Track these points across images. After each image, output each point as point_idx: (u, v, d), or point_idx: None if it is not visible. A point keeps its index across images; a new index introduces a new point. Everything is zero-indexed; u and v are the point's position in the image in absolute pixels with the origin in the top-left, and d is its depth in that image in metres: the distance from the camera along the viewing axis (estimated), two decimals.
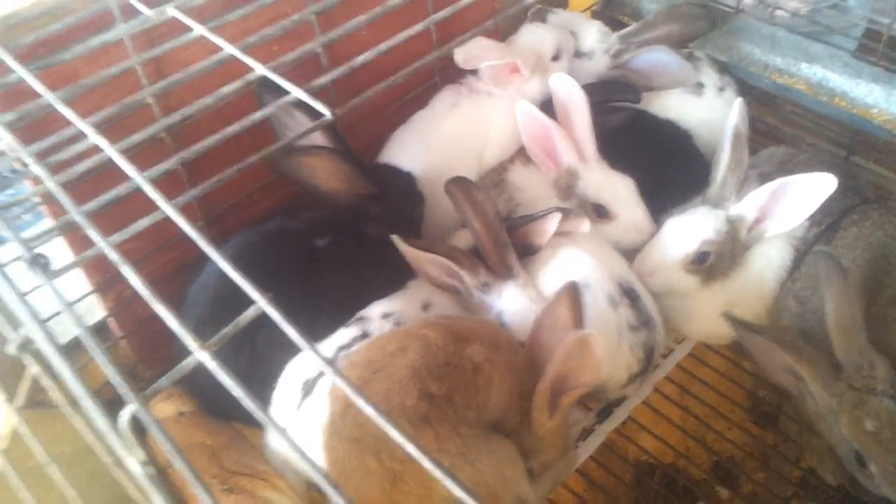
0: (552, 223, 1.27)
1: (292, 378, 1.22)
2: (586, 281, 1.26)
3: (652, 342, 1.29)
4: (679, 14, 1.58)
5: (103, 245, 0.67)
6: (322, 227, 1.34)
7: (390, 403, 1.00)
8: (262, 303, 0.60)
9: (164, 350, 1.37)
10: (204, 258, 1.25)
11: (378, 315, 1.24)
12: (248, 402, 0.55)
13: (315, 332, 1.16)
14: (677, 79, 1.53)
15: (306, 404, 1.18)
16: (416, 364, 1.03)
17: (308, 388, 1.19)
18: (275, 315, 0.59)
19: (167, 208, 0.69)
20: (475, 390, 1.05)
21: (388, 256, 1.28)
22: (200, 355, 0.59)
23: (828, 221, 1.36)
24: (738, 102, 1.36)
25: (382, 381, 1.03)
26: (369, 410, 0.54)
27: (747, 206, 1.33)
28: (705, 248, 1.34)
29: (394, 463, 0.97)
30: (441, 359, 1.04)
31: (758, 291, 1.39)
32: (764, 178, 1.34)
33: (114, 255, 0.66)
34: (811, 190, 1.26)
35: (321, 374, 1.18)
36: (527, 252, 1.31)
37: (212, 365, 0.58)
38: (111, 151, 0.74)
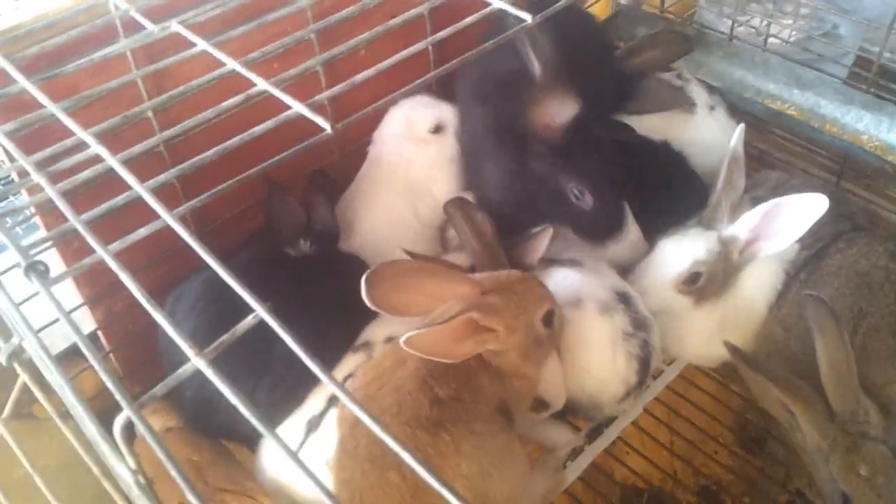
0: (544, 240, 1.29)
1: (294, 419, 1.23)
2: (577, 296, 1.27)
3: (648, 348, 1.28)
4: (659, 40, 1.60)
5: (103, 252, 0.67)
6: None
7: (405, 416, 1.01)
8: (260, 311, 0.60)
9: (150, 365, 1.36)
10: (186, 276, 1.27)
11: (382, 339, 1.25)
12: (246, 411, 0.55)
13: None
14: (669, 104, 1.55)
15: (312, 440, 1.19)
16: (419, 373, 1.05)
17: (313, 424, 1.20)
18: (274, 324, 0.59)
19: (168, 217, 0.69)
20: (477, 384, 1.07)
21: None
22: (198, 362, 0.59)
23: (818, 246, 1.37)
24: (741, 128, 1.38)
25: (390, 395, 1.04)
26: (375, 428, 0.54)
27: (740, 228, 1.35)
28: (697, 269, 1.34)
29: (415, 474, 0.98)
30: (441, 363, 1.05)
31: (748, 314, 1.40)
32: (757, 202, 1.35)
33: (113, 263, 0.66)
34: (803, 211, 1.27)
35: (327, 410, 1.20)
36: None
37: (209, 372, 0.58)
38: (113, 161, 0.75)
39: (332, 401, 1.20)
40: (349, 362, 1.24)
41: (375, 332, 1.27)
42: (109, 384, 0.61)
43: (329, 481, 1.07)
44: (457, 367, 1.06)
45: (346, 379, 1.20)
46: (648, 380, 1.34)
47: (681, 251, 1.36)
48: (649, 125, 1.59)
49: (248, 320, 0.61)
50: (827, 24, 2.06)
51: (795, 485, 1.41)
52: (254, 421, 0.55)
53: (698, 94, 1.63)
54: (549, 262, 1.35)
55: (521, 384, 1.16)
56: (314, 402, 1.22)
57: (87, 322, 1.34)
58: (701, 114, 1.61)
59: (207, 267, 0.65)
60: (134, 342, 1.37)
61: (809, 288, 1.32)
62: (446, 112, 1.52)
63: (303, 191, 1.37)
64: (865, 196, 1.73)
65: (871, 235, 1.37)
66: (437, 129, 1.52)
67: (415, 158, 1.51)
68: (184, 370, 0.60)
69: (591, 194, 1.34)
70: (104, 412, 0.66)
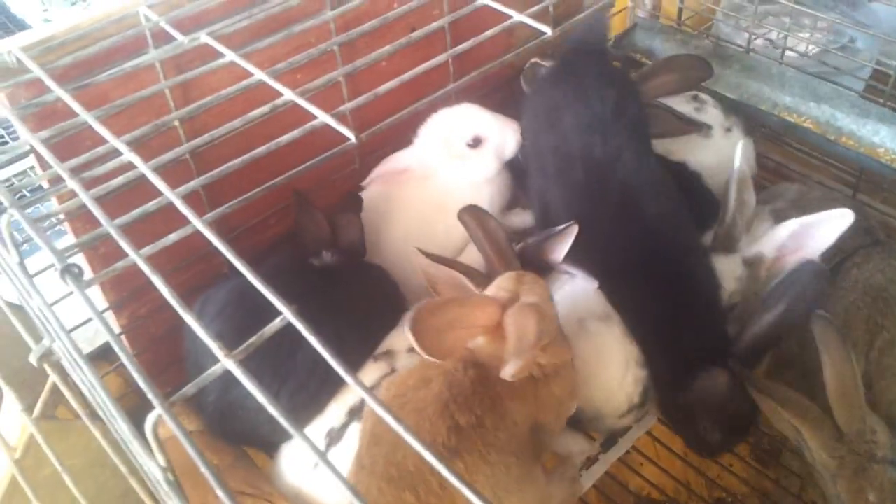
0: (570, 237, 1.27)
1: (313, 429, 1.22)
2: (608, 313, 1.29)
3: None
4: (677, 65, 1.60)
5: (136, 257, 0.69)
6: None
7: (422, 440, 1.01)
8: (287, 314, 0.62)
9: (172, 370, 1.39)
10: (210, 282, 1.29)
11: (405, 349, 1.26)
12: (275, 411, 0.57)
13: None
14: (678, 131, 1.55)
15: (333, 452, 1.20)
16: (442, 396, 1.03)
17: (334, 437, 1.21)
18: (300, 326, 0.61)
19: (198, 224, 0.71)
20: (502, 409, 1.06)
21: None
22: (227, 363, 0.61)
23: (837, 259, 1.38)
24: (741, 145, 1.38)
25: (410, 416, 1.03)
26: (402, 432, 0.55)
27: (766, 246, 1.35)
28: (734, 300, 1.35)
29: (430, 497, 0.98)
30: (467, 387, 1.04)
31: None
32: (777, 215, 1.36)
33: (146, 267, 0.68)
34: (830, 226, 1.28)
35: (349, 423, 1.20)
36: (542, 272, 1.31)
37: (238, 372, 0.60)
38: (145, 169, 0.77)
39: (354, 413, 1.20)
40: (371, 371, 1.24)
41: (398, 341, 1.27)
42: (141, 383, 0.63)
43: (345, 496, 1.07)
44: (482, 393, 1.05)
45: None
46: (649, 404, 1.34)
47: None
48: (667, 147, 1.60)
49: (276, 323, 0.63)
50: (844, 38, 2.07)
51: (810, 496, 1.40)
52: (282, 420, 0.57)
53: (715, 116, 1.64)
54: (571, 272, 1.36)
55: (566, 375, 1.15)
56: (334, 413, 1.22)
57: (113, 326, 1.36)
58: (717, 136, 1.61)
59: (235, 274, 0.67)
60: (157, 346, 1.40)
61: (825, 302, 1.33)
62: (486, 124, 1.45)
63: (334, 209, 1.37)
64: (882, 209, 1.73)
65: (888, 250, 1.38)
66: (476, 143, 1.45)
67: (449, 177, 1.46)
68: (213, 371, 0.62)
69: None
70: (132, 411, 0.68)
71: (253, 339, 0.62)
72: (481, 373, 1.07)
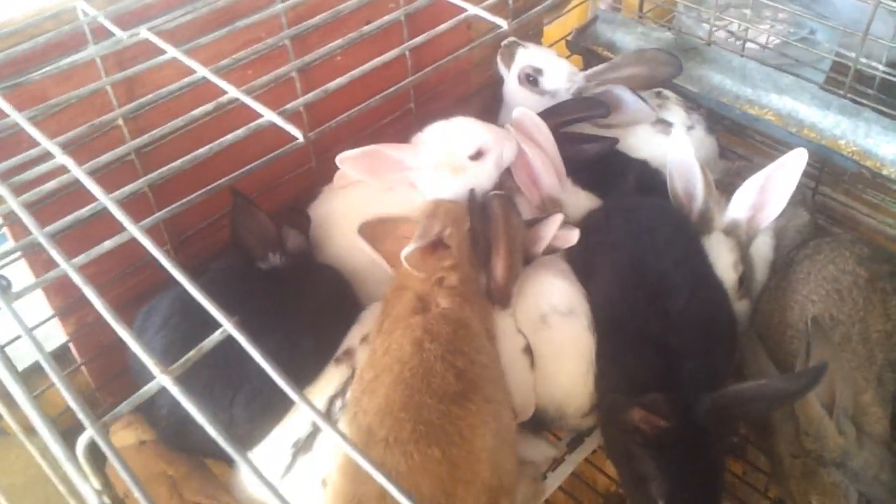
0: (553, 227, 1.27)
1: (278, 438, 1.17)
2: (571, 307, 1.27)
3: None
4: (647, 58, 1.60)
5: (66, 266, 0.65)
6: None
7: (438, 395, 1.03)
8: (228, 326, 0.59)
9: (125, 377, 1.32)
10: (160, 287, 1.24)
11: (358, 341, 1.21)
12: (213, 430, 0.53)
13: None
14: (634, 117, 1.56)
15: (302, 462, 1.15)
16: (435, 351, 1.07)
17: (300, 447, 1.16)
18: (242, 339, 0.57)
19: (133, 230, 0.67)
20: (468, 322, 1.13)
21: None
22: (163, 380, 0.57)
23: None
24: (682, 136, 1.42)
25: (423, 378, 1.04)
26: (369, 468, 0.52)
27: (738, 210, 1.37)
28: (739, 272, 1.36)
29: (452, 448, 1.00)
30: (447, 329, 1.09)
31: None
32: (718, 186, 1.40)
33: (77, 278, 0.64)
34: (791, 169, 1.31)
35: (317, 431, 1.15)
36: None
37: (174, 390, 0.56)
38: (78, 171, 0.73)
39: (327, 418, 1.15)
40: (333, 376, 1.19)
41: (353, 337, 1.23)
42: (72, 403, 0.58)
43: (328, 498, 1.03)
44: (457, 329, 1.11)
45: (333, 399, 1.17)
46: None
47: (720, 268, 1.36)
48: (629, 144, 1.58)
49: (216, 336, 0.59)
50: (804, 29, 2.07)
51: (775, 493, 1.40)
52: (222, 442, 0.53)
53: (676, 113, 1.63)
54: (536, 268, 1.34)
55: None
56: (298, 421, 1.17)
57: (59, 333, 1.31)
58: (678, 134, 1.60)
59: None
60: (107, 353, 1.34)
61: (779, 295, 1.34)
62: (487, 135, 1.39)
63: (281, 222, 1.31)
64: (843, 200, 1.73)
65: (837, 240, 1.38)
66: (478, 155, 1.38)
67: (443, 188, 1.38)
68: (149, 388, 0.58)
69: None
70: (77, 427, 0.64)
71: (191, 353, 0.59)
72: (438, 312, 1.15)
